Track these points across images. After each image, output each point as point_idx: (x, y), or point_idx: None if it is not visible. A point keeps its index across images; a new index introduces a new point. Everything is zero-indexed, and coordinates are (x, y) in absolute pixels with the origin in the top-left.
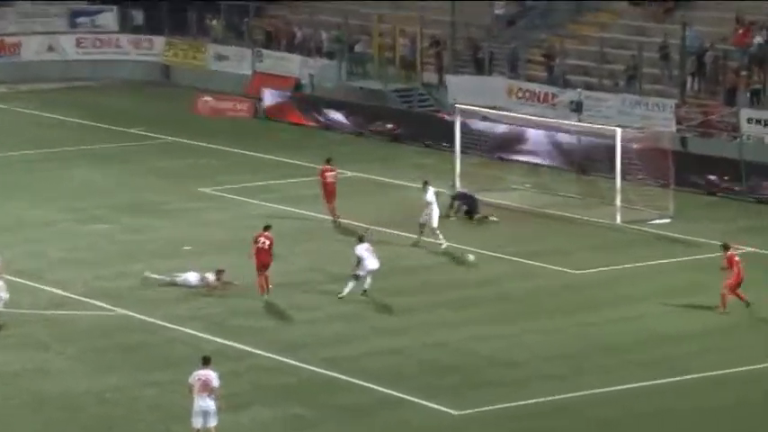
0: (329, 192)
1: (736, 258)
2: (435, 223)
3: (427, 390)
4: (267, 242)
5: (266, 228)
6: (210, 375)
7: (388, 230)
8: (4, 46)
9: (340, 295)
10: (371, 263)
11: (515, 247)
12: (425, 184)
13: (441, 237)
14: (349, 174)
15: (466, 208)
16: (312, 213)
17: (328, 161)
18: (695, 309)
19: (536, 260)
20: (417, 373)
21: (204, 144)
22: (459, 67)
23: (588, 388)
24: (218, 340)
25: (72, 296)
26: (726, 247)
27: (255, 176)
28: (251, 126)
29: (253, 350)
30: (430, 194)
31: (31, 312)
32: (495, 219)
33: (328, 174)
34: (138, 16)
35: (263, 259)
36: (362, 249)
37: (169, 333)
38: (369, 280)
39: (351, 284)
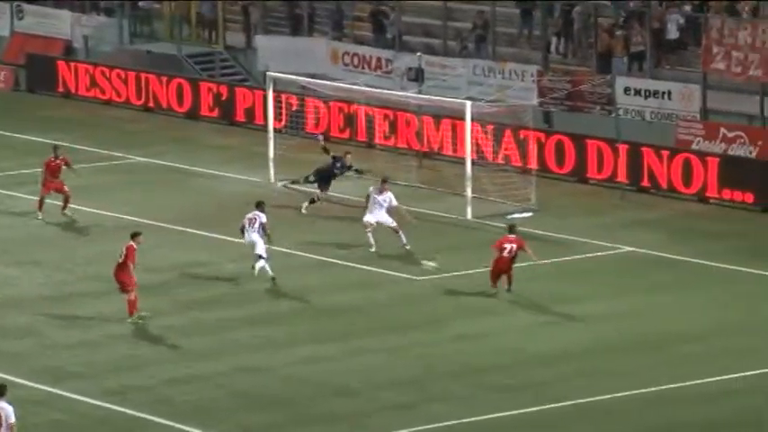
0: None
1: (506, 245)
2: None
3: (243, 428)
4: (124, 253)
5: (134, 235)
6: (7, 410)
7: (186, 229)
8: None
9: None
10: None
11: (344, 249)
12: (384, 182)
13: (372, 239)
14: (137, 159)
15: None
16: (93, 210)
17: (55, 149)
18: (563, 323)
19: (369, 265)
20: (230, 407)
21: None
22: (271, 26)
23: (444, 418)
24: None
25: None
26: (511, 229)
27: (17, 163)
28: (10, 100)
29: (15, 379)
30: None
31: None
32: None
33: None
34: None
35: (116, 276)
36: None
37: None
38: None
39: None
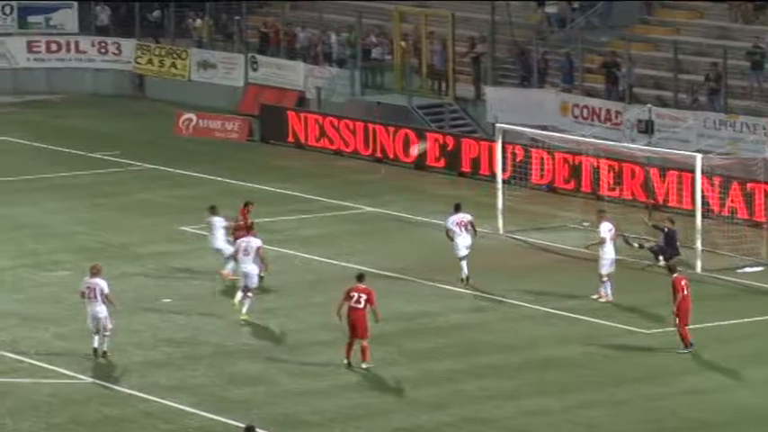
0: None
1: (683, 283)
2: (605, 269)
3: None
4: (364, 297)
5: (359, 277)
6: None
7: (414, 279)
8: None
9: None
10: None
11: (573, 300)
12: (601, 212)
13: (606, 290)
14: (366, 209)
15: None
16: (322, 258)
17: (246, 205)
18: None
19: (597, 317)
20: None
21: (187, 172)
22: (500, 77)
23: None
24: (207, 415)
25: (27, 360)
26: (671, 270)
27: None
28: (244, 150)
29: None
30: (604, 229)
31: None
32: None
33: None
34: (104, 14)
35: (358, 322)
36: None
37: (146, 406)
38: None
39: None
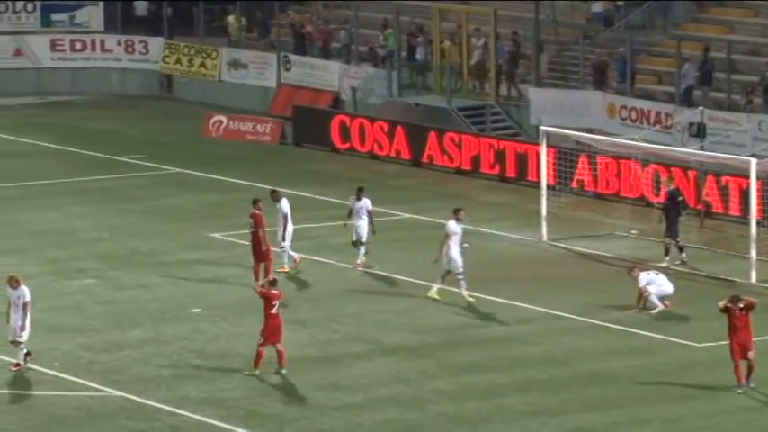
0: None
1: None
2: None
3: None
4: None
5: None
6: None
7: (455, 289)
8: None
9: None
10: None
11: (620, 311)
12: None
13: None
14: (404, 216)
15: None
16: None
17: (255, 203)
18: None
19: (645, 329)
20: None
21: (216, 176)
22: (546, 78)
23: None
24: (238, 430)
25: (50, 372)
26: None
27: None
28: (276, 153)
29: None
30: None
31: None
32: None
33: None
34: (131, 12)
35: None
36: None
37: (174, 420)
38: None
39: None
